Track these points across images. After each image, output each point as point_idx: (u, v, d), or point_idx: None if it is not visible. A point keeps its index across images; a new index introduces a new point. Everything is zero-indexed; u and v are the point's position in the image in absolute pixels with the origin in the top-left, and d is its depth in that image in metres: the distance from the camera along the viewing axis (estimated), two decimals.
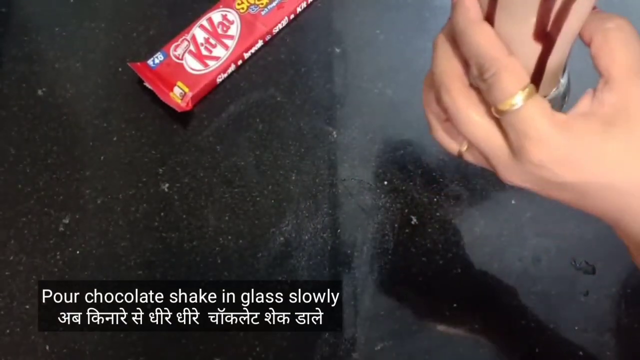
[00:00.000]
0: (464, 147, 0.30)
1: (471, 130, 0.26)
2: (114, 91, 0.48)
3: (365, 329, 0.40)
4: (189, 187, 0.44)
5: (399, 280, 0.42)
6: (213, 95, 0.48)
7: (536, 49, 0.25)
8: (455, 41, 0.26)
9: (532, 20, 0.24)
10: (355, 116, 0.47)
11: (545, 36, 0.25)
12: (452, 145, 0.30)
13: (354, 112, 0.47)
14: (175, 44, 0.48)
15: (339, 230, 0.43)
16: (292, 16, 0.51)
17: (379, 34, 0.50)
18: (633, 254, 0.28)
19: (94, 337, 0.39)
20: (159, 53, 0.48)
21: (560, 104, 0.29)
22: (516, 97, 0.24)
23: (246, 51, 0.49)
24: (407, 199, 0.43)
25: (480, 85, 0.25)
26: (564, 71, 0.28)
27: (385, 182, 0.44)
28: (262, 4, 0.50)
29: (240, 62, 0.49)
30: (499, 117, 0.25)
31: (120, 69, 0.49)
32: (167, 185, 0.44)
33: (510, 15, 0.25)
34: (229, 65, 0.48)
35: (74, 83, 0.48)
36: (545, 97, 0.27)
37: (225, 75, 0.48)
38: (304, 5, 0.51)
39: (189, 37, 0.49)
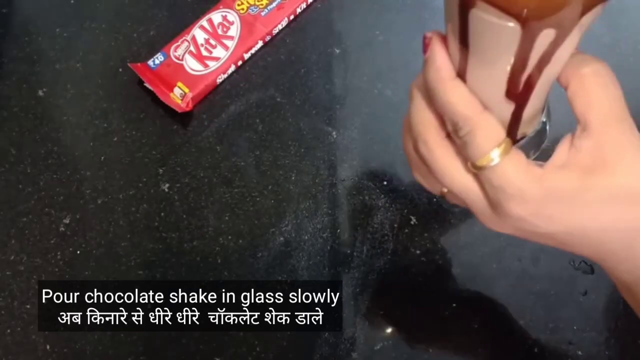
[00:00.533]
0: (445, 190, 0.30)
1: (449, 182, 0.26)
2: (114, 92, 0.48)
3: (365, 329, 0.40)
4: (189, 187, 0.44)
5: (398, 280, 0.42)
6: (213, 96, 0.48)
7: (511, 103, 0.25)
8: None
9: (505, 79, 0.24)
10: (354, 116, 0.47)
11: (519, 95, 0.24)
12: (435, 187, 0.30)
13: (353, 113, 0.47)
14: (176, 44, 0.48)
15: (338, 230, 0.43)
16: (291, 17, 0.51)
17: (378, 35, 0.50)
18: (620, 290, 0.28)
19: (94, 336, 0.39)
20: (160, 54, 0.48)
21: (540, 140, 0.29)
22: (492, 153, 0.24)
23: (246, 52, 0.49)
24: (406, 199, 0.44)
25: (456, 140, 0.25)
26: (543, 109, 0.27)
27: (385, 182, 0.44)
28: (262, 4, 0.50)
29: (240, 62, 0.49)
30: (475, 172, 0.25)
31: (120, 70, 0.49)
32: (167, 185, 0.44)
33: (483, 73, 0.24)
34: (229, 66, 0.48)
35: (75, 83, 0.48)
36: (523, 136, 0.27)
37: (225, 75, 0.48)
38: (303, 6, 0.51)
39: (189, 37, 0.49)
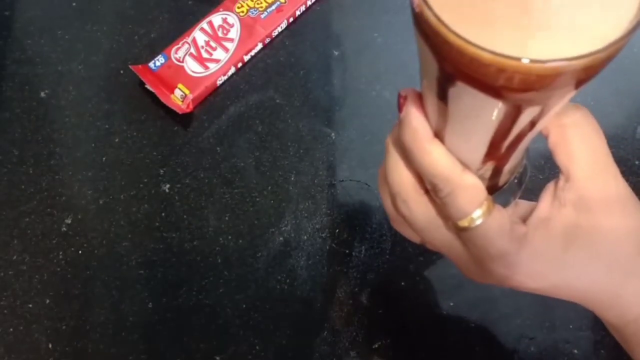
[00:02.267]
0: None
1: (430, 239, 0.26)
2: (115, 93, 0.48)
3: (363, 328, 0.40)
4: (190, 188, 0.45)
5: (396, 280, 0.42)
6: (213, 98, 0.48)
7: (490, 163, 0.24)
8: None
9: (487, 143, 0.22)
10: (353, 118, 0.47)
11: (501, 156, 0.23)
12: (414, 238, 0.29)
13: (352, 114, 0.47)
14: (176, 46, 0.49)
15: (337, 230, 0.43)
16: (291, 19, 0.51)
17: (376, 37, 0.51)
18: (610, 330, 0.28)
19: (96, 335, 0.40)
20: (160, 56, 0.48)
21: (521, 181, 0.28)
22: (474, 214, 0.23)
23: (246, 54, 0.49)
24: None
25: (436, 200, 0.24)
26: (524, 157, 0.27)
27: None
28: (261, 7, 0.50)
29: (240, 64, 0.49)
30: (457, 232, 0.24)
31: (121, 72, 0.49)
32: (168, 186, 0.45)
33: (463, 138, 0.23)
34: (229, 68, 0.48)
35: (76, 85, 0.49)
36: (504, 184, 0.26)
37: (226, 77, 0.49)
38: (302, 8, 0.51)
39: (189, 40, 0.49)
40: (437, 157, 0.23)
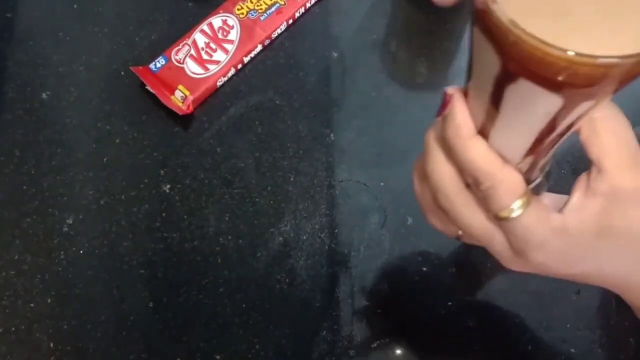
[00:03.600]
0: (461, 232, 0.30)
1: (473, 232, 0.27)
2: (116, 94, 0.49)
3: (362, 327, 0.40)
4: (190, 188, 0.45)
5: (395, 280, 0.42)
6: (213, 99, 0.48)
7: (531, 157, 0.25)
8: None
9: (533, 139, 0.23)
10: (352, 119, 0.47)
11: (542, 150, 0.24)
12: (451, 230, 0.30)
13: (351, 115, 0.48)
14: (177, 48, 0.49)
15: (336, 231, 0.43)
16: (290, 21, 0.51)
17: (375, 39, 0.51)
18: (637, 314, 0.30)
19: (96, 334, 0.40)
20: (161, 57, 0.49)
21: (548, 179, 0.29)
22: (513, 205, 0.24)
23: (246, 55, 0.49)
24: (402, 199, 0.44)
25: (477, 193, 0.25)
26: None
27: (382, 183, 0.45)
28: (261, 9, 0.51)
29: (240, 66, 0.50)
30: (498, 222, 0.25)
31: (122, 73, 0.49)
32: (168, 186, 0.45)
33: (510, 134, 0.23)
34: (229, 69, 0.49)
35: (78, 86, 0.49)
36: (535, 179, 0.27)
37: (226, 79, 0.49)
38: (302, 10, 0.52)
39: (190, 41, 0.49)
40: (478, 152, 0.24)
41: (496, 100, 0.22)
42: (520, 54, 0.18)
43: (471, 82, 0.23)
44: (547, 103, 0.20)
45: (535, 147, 0.24)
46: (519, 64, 0.19)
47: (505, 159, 0.25)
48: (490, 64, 0.20)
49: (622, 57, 0.17)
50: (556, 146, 0.25)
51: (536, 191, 0.28)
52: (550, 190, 0.29)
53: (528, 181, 0.27)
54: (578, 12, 0.18)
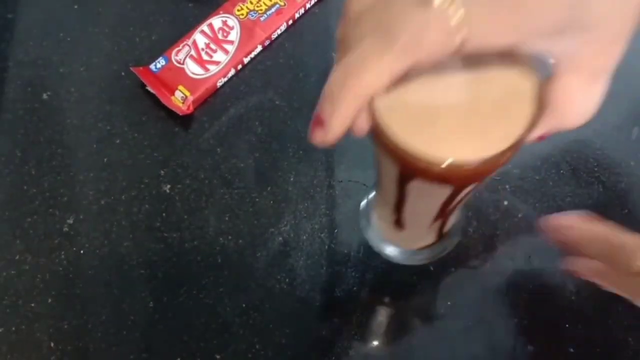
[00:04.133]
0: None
1: (615, 287, 0.31)
2: (117, 95, 0.49)
3: (362, 327, 0.40)
4: (190, 189, 0.45)
5: (394, 280, 0.42)
6: (213, 99, 0.49)
7: (439, 221, 0.31)
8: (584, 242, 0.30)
9: (437, 210, 0.29)
10: None
11: (446, 216, 0.31)
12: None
13: None
14: (177, 49, 0.49)
15: (336, 231, 0.43)
16: (290, 22, 0.51)
17: None
18: None
19: (97, 334, 0.40)
20: (161, 58, 0.49)
21: (459, 230, 0.37)
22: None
23: (246, 56, 0.50)
24: None
25: (615, 271, 0.29)
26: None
27: None
28: (261, 10, 0.51)
29: (240, 66, 0.50)
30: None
31: (123, 74, 0.49)
32: (168, 186, 0.45)
33: (417, 210, 0.30)
34: (229, 70, 0.49)
35: (78, 87, 0.49)
36: (449, 230, 0.35)
37: (226, 79, 0.49)
38: (302, 11, 0.52)
39: (190, 42, 0.50)
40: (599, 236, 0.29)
41: (401, 194, 0.28)
42: (411, 164, 0.23)
43: (382, 179, 0.29)
44: (440, 192, 0.26)
45: (439, 216, 0.30)
46: (411, 170, 0.24)
47: (418, 224, 0.32)
48: (391, 170, 0.26)
49: (482, 160, 0.22)
50: (460, 207, 0.30)
51: (452, 239, 0.36)
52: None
53: (443, 234, 0.34)
54: (446, 125, 0.23)
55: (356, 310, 0.41)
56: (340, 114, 0.22)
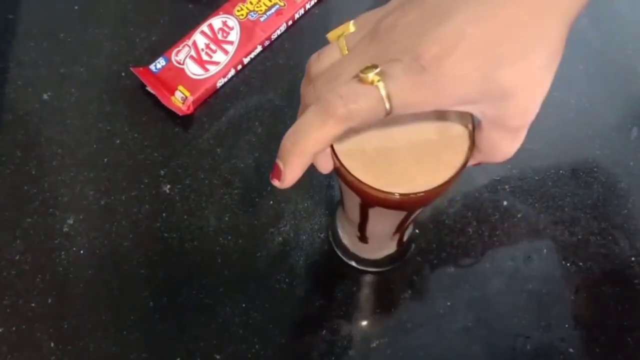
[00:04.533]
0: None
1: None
2: (117, 95, 0.49)
3: (361, 327, 0.41)
4: (190, 189, 0.45)
5: (393, 279, 0.42)
6: (213, 99, 0.49)
7: (397, 234, 0.37)
8: None
9: (395, 226, 0.35)
10: None
11: (403, 230, 0.37)
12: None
13: None
14: (177, 49, 0.49)
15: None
16: (290, 22, 0.52)
17: None
18: None
19: (97, 334, 0.40)
20: (161, 58, 0.49)
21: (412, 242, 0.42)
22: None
23: (245, 56, 0.50)
24: None
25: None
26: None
27: None
28: (261, 10, 0.51)
29: (239, 67, 0.50)
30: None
31: (123, 74, 0.49)
32: (168, 186, 0.45)
33: (378, 228, 0.36)
34: (229, 70, 0.49)
35: (78, 87, 0.49)
36: (407, 239, 0.41)
37: (225, 79, 0.49)
38: (301, 12, 0.52)
39: (190, 42, 0.50)
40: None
41: (363, 216, 0.33)
42: (368, 196, 0.27)
43: (344, 204, 0.35)
44: (396, 215, 0.32)
45: (397, 231, 0.36)
46: (369, 200, 0.28)
47: (382, 239, 0.38)
48: (353, 199, 0.30)
49: (424, 191, 0.27)
50: (413, 222, 0.38)
51: (409, 246, 0.42)
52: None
53: (402, 242, 0.40)
54: (398, 163, 0.27)
55: (356, 311, 0.41)
56: (291, 170, 0.27)
